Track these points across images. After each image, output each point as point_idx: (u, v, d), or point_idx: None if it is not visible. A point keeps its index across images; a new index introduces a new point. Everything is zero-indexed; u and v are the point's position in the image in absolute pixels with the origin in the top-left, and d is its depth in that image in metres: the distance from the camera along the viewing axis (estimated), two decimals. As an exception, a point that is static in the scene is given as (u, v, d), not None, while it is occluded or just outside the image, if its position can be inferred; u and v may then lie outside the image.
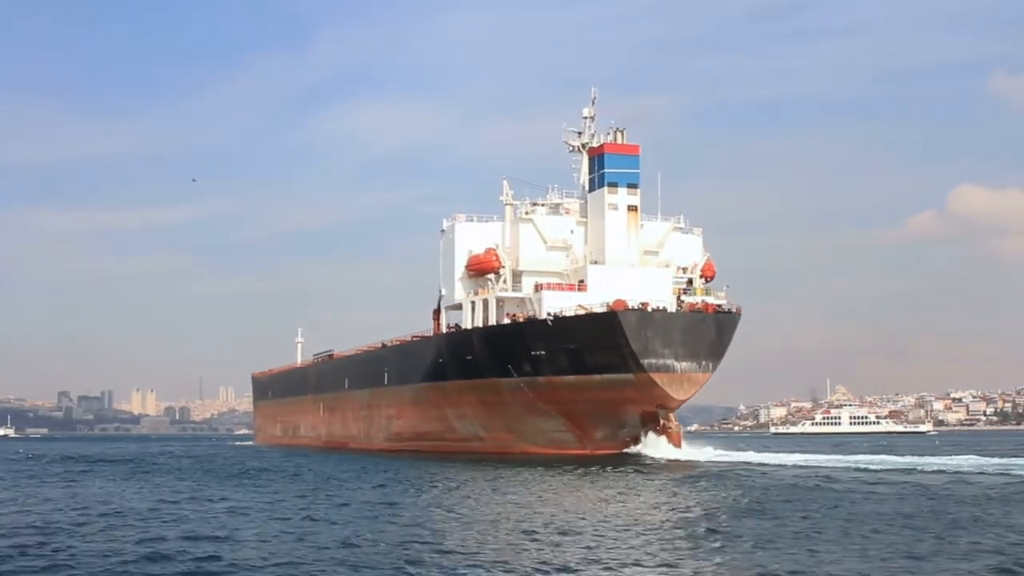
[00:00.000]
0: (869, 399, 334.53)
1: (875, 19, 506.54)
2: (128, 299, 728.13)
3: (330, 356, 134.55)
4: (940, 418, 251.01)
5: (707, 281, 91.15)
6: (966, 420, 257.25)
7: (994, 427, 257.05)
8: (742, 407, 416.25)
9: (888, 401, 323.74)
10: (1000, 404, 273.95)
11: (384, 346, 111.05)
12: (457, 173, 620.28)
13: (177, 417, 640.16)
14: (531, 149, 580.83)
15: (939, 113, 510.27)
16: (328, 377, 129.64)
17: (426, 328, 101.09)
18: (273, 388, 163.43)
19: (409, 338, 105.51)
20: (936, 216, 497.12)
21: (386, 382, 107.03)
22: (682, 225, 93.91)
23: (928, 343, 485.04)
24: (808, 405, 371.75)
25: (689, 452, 78.28)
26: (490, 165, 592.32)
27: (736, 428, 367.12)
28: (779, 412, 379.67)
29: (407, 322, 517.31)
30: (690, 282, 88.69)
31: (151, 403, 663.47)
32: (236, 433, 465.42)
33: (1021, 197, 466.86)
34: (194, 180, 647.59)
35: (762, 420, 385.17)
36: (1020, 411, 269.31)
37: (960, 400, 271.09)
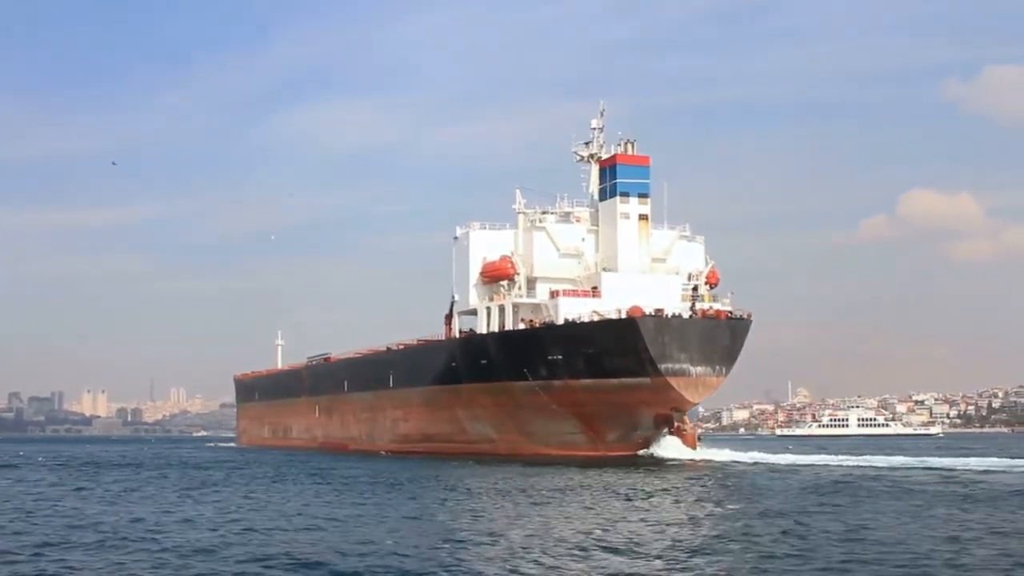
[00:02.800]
0: (831, 401, 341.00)
1: (832, 24, 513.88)
2: (78, 299, 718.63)
3: (326, 359, 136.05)
4: (904, 420, 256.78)
5: (711, 288, 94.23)
6: (929, 422, 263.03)
7: (957, 429, 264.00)
8: (702, 409, 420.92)
9: (852, 404, 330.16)
10: (963, 407, 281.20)
11: (389, 349, 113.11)
12: (417, 173, 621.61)
13: (129, 419, 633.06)
14: (492, 149, 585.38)
15: (893, 117, 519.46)
16: (325, 379, 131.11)
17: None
18: (260, 390, 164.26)
19: (415, 342, 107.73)
20: (888, 220, 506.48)
21: (391, 384, 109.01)
22: (687, 233, 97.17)
23: (883, 345, 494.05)
24: (770, 407, 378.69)
25: (706, 453, 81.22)
26: (451, 165, 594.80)
27: (699, 431, 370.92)
28: (742, 414, 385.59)
29: (370, 322, 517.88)
30: (695, 289, 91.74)
31: (102, 404, 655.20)
32: (196, 435, 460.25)
33: (972, 201, 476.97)
34: (114, 163, 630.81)
35: (724, 422, 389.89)
36: (983, 413, 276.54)
37: (922, 402, 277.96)
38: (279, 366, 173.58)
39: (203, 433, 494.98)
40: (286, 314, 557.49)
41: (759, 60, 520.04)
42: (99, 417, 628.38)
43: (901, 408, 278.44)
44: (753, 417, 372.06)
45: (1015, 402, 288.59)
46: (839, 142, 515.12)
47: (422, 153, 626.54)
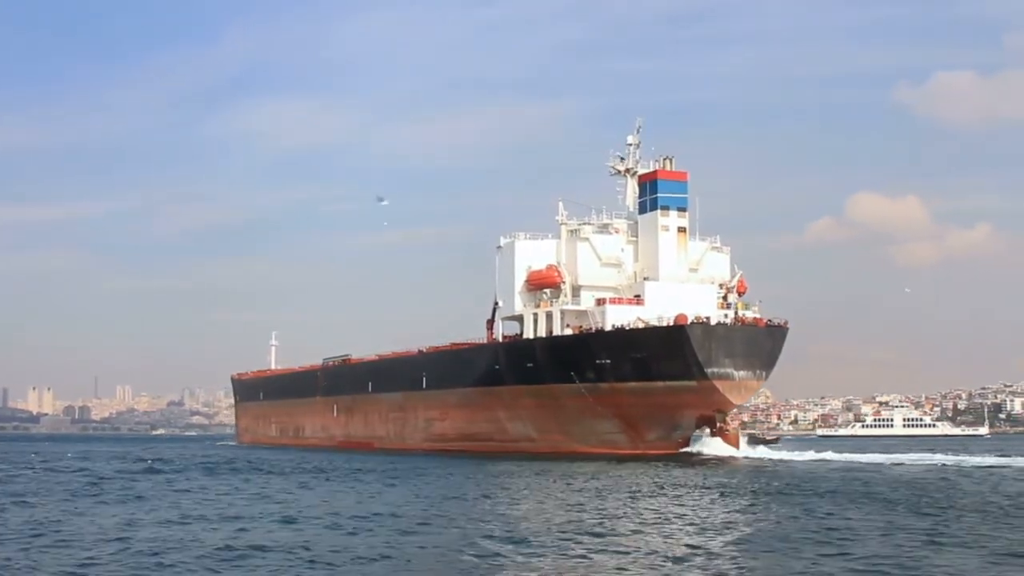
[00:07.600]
0: (795, 402, 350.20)
1: (782, 27, 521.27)
2: (22, 296, 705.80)
3: (345, 360, 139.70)
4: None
5: (740, 296, 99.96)
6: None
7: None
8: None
9: (816, 405, 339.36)
10: (928, 407, 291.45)
11: (421, 352, 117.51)
12: (367, 173, 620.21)
13: (77, 416, 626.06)
14: (443, 148, 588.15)
15: (842, 120, 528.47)
16: (345, 380, 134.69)
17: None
18: (266, 390, 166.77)
19: (449, 345, 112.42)
20: (834, 223, 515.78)
21: (424, 386, 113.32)
22: (717, 244, 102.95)
23: (832, 348, 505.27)
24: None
25: (749, 452, 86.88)
26: (403, 165, 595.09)
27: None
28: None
29: (325, 322, 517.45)
30: (726, 297, 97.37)
31: (48, 402, 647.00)
32: (153, 433, 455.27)
33: (918, 205, 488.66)
34: None
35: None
36: (949, 415, 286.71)
37: (887, 403, 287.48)
38: (272, 366, 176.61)
39: (160, 432, 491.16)
40: (216, 312, 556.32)
41: (708, 62, 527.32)
42: (46, 415, 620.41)
43: (866, 410, 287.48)
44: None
45: (980, 404, 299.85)
46: (787, 144, 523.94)
47: (373, 152, 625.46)
